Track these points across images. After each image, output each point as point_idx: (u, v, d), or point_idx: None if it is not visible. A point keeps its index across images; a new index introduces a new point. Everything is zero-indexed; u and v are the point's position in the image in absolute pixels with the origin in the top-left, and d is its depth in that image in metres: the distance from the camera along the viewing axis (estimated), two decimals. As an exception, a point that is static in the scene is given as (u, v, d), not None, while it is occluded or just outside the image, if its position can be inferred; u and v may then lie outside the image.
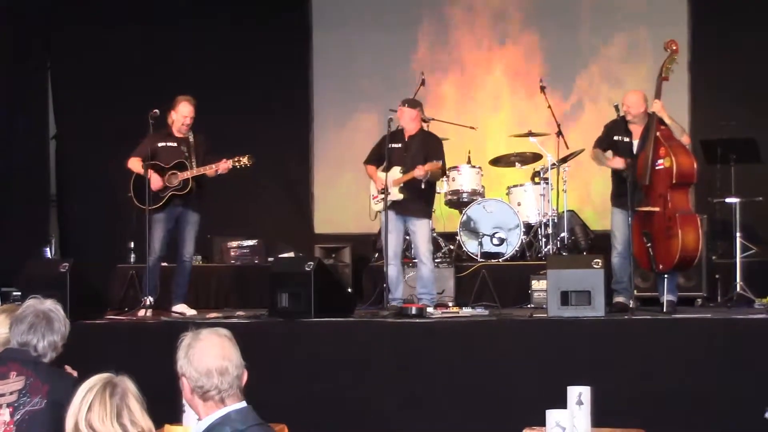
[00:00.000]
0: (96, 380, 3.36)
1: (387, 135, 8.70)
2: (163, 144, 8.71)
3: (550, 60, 11.69)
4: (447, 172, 9.90)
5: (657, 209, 7.88)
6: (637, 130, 8.20)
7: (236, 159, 8.52)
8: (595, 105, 11.41)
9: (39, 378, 4.23)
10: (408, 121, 8.82)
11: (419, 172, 8.51)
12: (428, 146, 8.79)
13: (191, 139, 8.77)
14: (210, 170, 8.58)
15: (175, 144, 8.72)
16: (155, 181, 8.59)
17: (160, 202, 8.61)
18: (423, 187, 8.62)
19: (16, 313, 4.50)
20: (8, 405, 4.17)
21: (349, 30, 12.16)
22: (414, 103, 8.93)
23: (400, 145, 8.80)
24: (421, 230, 8.76)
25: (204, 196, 8.88)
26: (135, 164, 8.69)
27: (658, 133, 7.92)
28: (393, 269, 8.69)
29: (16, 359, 4.31)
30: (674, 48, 8.17)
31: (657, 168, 7.88)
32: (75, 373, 4.50)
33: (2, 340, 4.52)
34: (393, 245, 8.69)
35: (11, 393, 4.19)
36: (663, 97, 8.07)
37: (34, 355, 4.34)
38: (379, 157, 8.86)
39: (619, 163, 8.08)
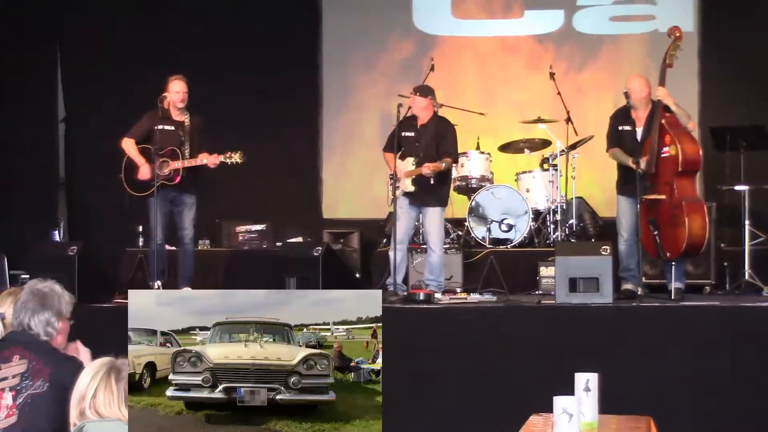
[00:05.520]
0: (99, 366, 3.36)
1: (398, 122, 8.66)
2: (160, 127, 8.64)
3: (560, 46, 11.66)
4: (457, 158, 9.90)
5: (663, 197, 7.87)
6: (640, 116, 8.19)
7: (227, 155, 8.47)
8: (605, 92, 11.36)
9: (42, 361, 4.20)
10: (420, 110, 8.74)
11: (426, 171, 8.44)
12: (441, 135, 8.70)
13: (187, 122, 8.70)
14: (197, 161, 8.54)
15: (172, 128, 8.66)
16: (144, 173, 8.58)
17: (149, 190, 8.59)
18: (432, 182, 8.55)
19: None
20: (11, 389, 4.14)
21: (360, 14, 12.13)
22: (426, 91, 8.80)
23: (412, 133, 8.73)
24: (433, 218, 8.73)
25: (200, 179, 8.85)
26: (128, 146, 8.70)
27: (663, 121, 7.91)
28: (397, 255, 8.65)
29: (20, 342, 4.28)
30: (678, 35, 8.15)
31: (663, 156, 7.88)
32: (85, 351, 4.47)
33: (9, 321, 4.51)
34: (402, 231, 8.64)
35: (14, 376, 4.17)
36: (673, 84, 8.07)
37: (35, 335, 4.31)
38: (396, 143, 8.81)
39: (643, 164, 7.96)
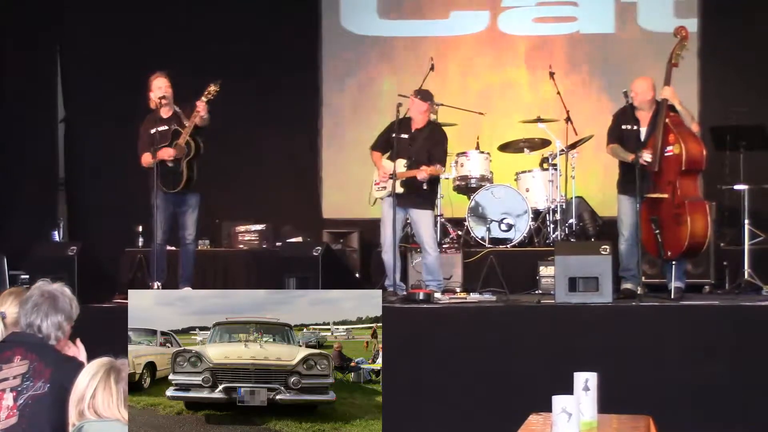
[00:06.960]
0: (98, 366, 3.35)
1: (395, 122, 8.64)
2: (154, 130, 8.58)
3: (560, 46, 11.66)
4: (456, 158, 9.92)
5: (666, 196, 7.87)
6: (645, 117, 8.19)
7: (206, 94, 8.40)
8: (605, 93, 11.36)
9: (43, 362, 4.18)
10: (417, 113, 8.72)
11: (422, 174, 8.39)
12: (433, 142, 8.67)
13: (179, 111, 8.61)
14: (196, 119, 8.43)
15: (166, 126, 8.58)
16: (165, 152, 8.45)
17: (179, 175, 8.51)
18: (425, 187, 8.53)
19: (24, 295, 4.47)
20: (12, 389, 4.13)
21: (359, 15, 12.13)
22: (426, 96, 8.78)
23: (406, 135, 8.71)
24: (422, 220, 8.71)
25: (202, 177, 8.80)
26: (148, 159, 8.55)
27: (667, 120, 7.91)
28: (389, 256, 8.61)
29: (22, 343, 4.25)
30: (684, 34, 8.16)
31: (666, 155, 7.87)
32: (84, 352, 4.47)
33: (10, 321, 4.51)
34: (391, 233, 8.55)
35: (15, 377, 4.16)
36: (673, 84, 8.05)
37: (39, 336, 4.31)
38: (385, 143, 8.80)
39: (647, 156, 7.96)
